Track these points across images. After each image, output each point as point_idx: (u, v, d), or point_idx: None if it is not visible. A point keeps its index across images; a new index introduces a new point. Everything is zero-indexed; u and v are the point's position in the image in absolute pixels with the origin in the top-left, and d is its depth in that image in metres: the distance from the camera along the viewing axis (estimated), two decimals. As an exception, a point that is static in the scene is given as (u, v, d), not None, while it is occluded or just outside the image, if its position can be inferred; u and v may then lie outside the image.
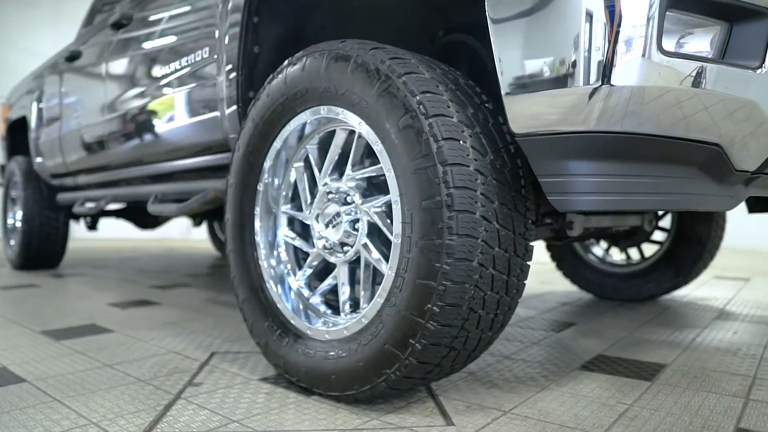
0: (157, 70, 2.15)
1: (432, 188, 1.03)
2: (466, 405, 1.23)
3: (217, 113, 1.81)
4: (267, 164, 1.46)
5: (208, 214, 3.80)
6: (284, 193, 1.50)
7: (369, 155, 1.32)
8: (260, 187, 1.49)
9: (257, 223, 1.50)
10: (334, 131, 1.34)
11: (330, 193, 1.35)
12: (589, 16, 0.92)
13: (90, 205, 2.71)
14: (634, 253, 2.68)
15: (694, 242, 2.38)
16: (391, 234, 1.22)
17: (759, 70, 0.97)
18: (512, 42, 1.00)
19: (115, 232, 4.45)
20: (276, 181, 1.49)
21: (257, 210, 1.49)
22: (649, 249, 2.64)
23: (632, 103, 0.93)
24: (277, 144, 1.43)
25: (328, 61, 1.23)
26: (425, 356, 1.08)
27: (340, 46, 1.22)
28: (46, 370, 1.47)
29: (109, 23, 2.54)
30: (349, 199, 1.31)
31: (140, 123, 2.27)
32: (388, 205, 1.24)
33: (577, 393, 1.31)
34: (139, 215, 4.02)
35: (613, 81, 0.92)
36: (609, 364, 1.56)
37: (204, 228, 5.65)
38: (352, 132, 1.30)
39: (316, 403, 1.25)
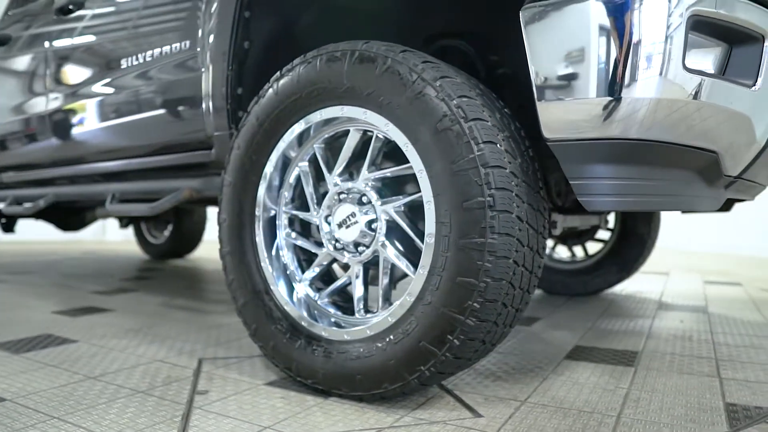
0: (118, 62, 2.01)
1: (474, 189, 1.07)
2: (483, 397, 1.29)
3: (198, 109, 1.73)
4: (271, 163, 1.43)
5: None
6: (285, 193, 1.47)
7: (384, 156, 1.34)
8: (262, 186, 1.45)
9: (259, 224, 1.46)
10: (347, 131, 1.34)
11: (342, 193, 1.35)
12: (620, 36, 1.00)
13: (28, 205, 2.47)
14: (578, 250, 2.89)
15: (637, 240, 2.62)
16: (414, 233, 1.25)
17: (753, 88, 1.11)
18: (547, 54, 1.07)
19: (21, 234, 4.03)
20: (277, 181, 1.46)
21: (259, 210, 1.45)
22: (592, 247, 2.86)
23: (657, 113, 1.02)
24: (283, 143, 1.40)
25: (352, 62, 1.23)
26: (461, 351, 1.12)
27: (366, 47, 1.23)
28: (22, 386, 1.34)
29: (54, 7, 2.33)
30: (364, 199, 1.32)
31: (94, 117, 2.11)
32: (408, 205, 1.27)
33: (576, 381, 1.41)
34: (63, 216, 3.71)
35: (644, 93, 1.01)
36: (589, 353, 1.68)
37: (118, 230, 5.30)
38: (366, 132, 1.31)
39: (337, 404, 1.25)
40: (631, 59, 1.01)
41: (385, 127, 1.21)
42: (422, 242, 1.19)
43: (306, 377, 1.32)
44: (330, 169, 1.38)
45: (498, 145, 1.09)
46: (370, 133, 1.30)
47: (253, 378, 1.43)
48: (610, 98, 1.02)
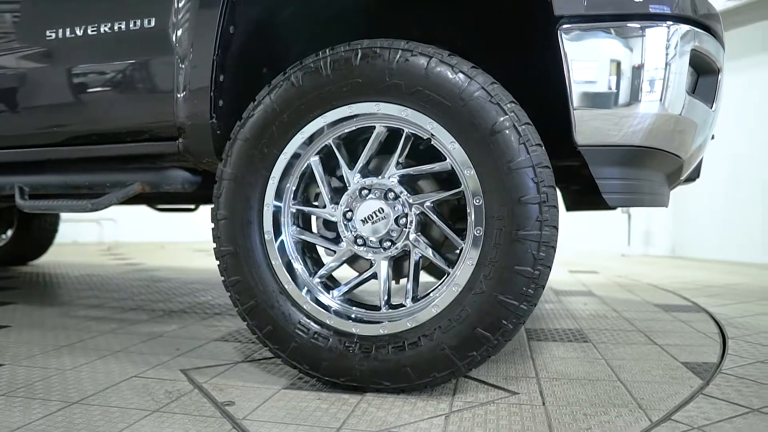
0: (53, 29, 1.69)
1: (529, 186, 1.17)
2: (502, 377, 1.40)
3: (165, 94, 1.55)
4: (284, 156, 1.37)
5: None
6: (293, 188, 1.42)
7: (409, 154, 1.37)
8: (273, 180, 1.38)
9: (270, 221, 1.38)
10: (367, 128, 1.35)
11: (364, 189, 1.35)
12: (645, 63, 1.20)
13: None
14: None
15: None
16: (447, 227, 1.31)
17: (711, 108, 1.40)
18: (584, 69, 1.22)
19: None
20: (285, 175, 1.40)
21: (269, 206, 1.38)
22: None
23: (667, 126, 1.25)
24: (302, 136, 1.36)
25: (398, 59, 1.25)
26: (510, 335, 1.22)
27: (411, 46, 1.25)
28: (-8, 421, 1.09)
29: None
30: (390, 195, 1.34)
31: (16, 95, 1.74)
32: (438, 201, 1.33)
33: (560, 357, 1.60)
34: None
35: (654, 110, 1.22)
36: (546, 334, 1.91)
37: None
38: (391, 129, 1.33)
39: (381, 398, 1.25)
40: (650, 81, 1.21)
41: (428, 126, 1.26)
42: (459, 237, 1.27)
43: (338, 376, 1.29)
44: (350, 165, 1.37)
45: (542, 147, 1.22)
46: (394, 131, 1.33)
47: (265, 383, 1.35)
48: (633, 112, 1.21)
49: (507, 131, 1.19)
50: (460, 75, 1.22)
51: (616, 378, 1.39)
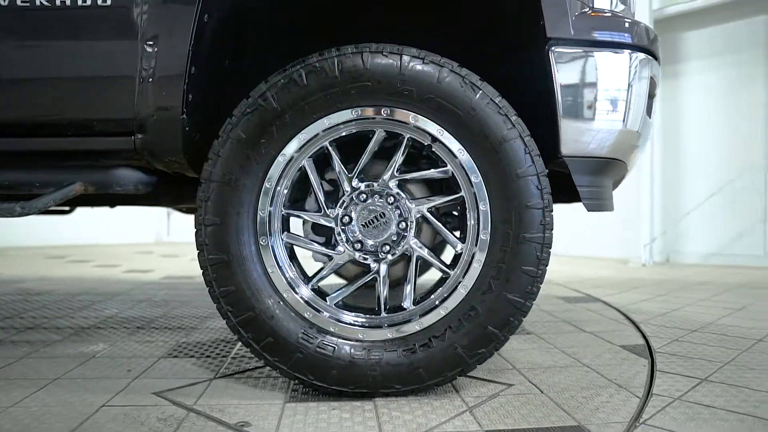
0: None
1: (534, 193, 1.27)
2: (485, 371, 1.49)
3: (124, 84, 1.38)
4: (282, 158, 1.31)
5: None
6: (284, 192, 1.35)
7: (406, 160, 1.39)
8: (268, 182, 1.31)
9: (265, 226, 1.31)
10: (367, 132, 1.35)
11: (362, 193, 1.35)
12: (620, 85, 1.37)
13: None
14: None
15: None
16: (440, 231, 1.36)
17: (650, 119, 1.64)
18: (570, 88, 1.35)
19: None
20: (281, 178, 1.33)
21: (264, 211, 1.31)
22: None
23: (628, 140, 1.44)
24: (303, 136, 1.30)
25: (411, 65, 1.26)
26: (514, 330, 1.31)
27: (423, 54, 1.28)
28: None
29: None
30: (390, 199, 1.35)
31: None
32: (437, 206, 1.38)
33: (521, 348, 1.74)
34: None
35: (624, 126, 1.40)
36: (486, 328, 2.05)
37: None
38: (388, 133, 1.35)
39: (392, 402, 1.26)
40: (618, 101, 1.38)
41: (438, 134, 1.29)
42: (460, 239, 1.33)
43: (347, 384, 1.27)
44: (347, 170, 1.35)
45: (541, 157, 1.33)
46: (393, 136, 1.34)
47: (263, 399, 1.28)
48: (605, 127, 1.38)
49: (515, 141, 1.27)
50: (469, 85, 1.28)
51: (581, 363, 1.56)
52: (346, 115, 1.31)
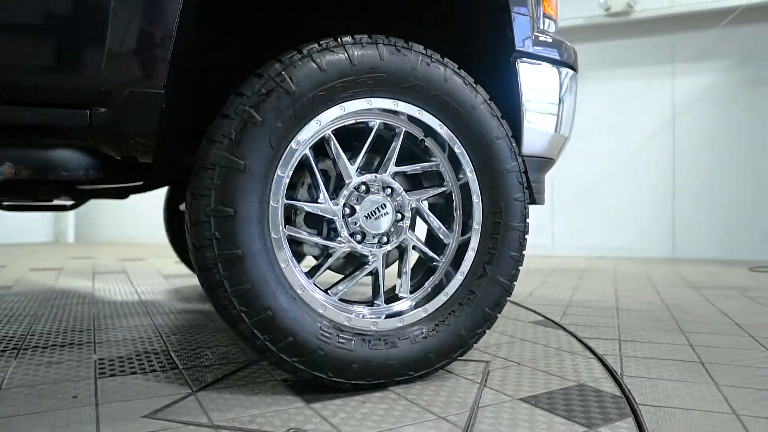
0: None
1: (518, 186, 1.44)
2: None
3: (87, 47, 1.14)
4: (296, 144, 1.24)
5: None
6: (287, 181, 1.28)
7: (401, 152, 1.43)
8: (280, 170, 1.22)
9: (277, 218, 1.22)
10: (366, 123, 1.36)
11: (364, 184, 1.36)
12: (559, 96, 1.64)
13: None
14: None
15: None
16: (431, 222, 1.45)
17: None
18: (531, 95, 1.57)
19: None
20: (289, 166, 1.26)
21: (277, 201, 1.22)
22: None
23: (561, 142, 1.72)
24: (314, 125, 1.25)
25: (423, 62, 1.32)
26: (502, 309, 1.45)
27: (433, 54, 1.34)
28: None
29: None
30: (388, 191, 1.38)
31: None
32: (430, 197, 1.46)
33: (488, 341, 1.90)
34: None
35: (562, 131, 1.68)
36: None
37: None
38: (386, 126, 1.39)
39: (404, 389, 1.30)
40: (560, 108, 1.65)
41: (439, 129, 1.37)
42: (448, 229, 1.44)
43: (366, 377, 1.26)
44: (350, 160, 1.34)
45: (520, 155, 1.50)
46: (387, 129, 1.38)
47: (278, 404, 1.19)
48: (551, 131, 1.64)
49: (504, 140, 1.43)
50: (470, 86, 1.39)
51: (523, 337, 1.79)
52: (358, 105, 1.30)
